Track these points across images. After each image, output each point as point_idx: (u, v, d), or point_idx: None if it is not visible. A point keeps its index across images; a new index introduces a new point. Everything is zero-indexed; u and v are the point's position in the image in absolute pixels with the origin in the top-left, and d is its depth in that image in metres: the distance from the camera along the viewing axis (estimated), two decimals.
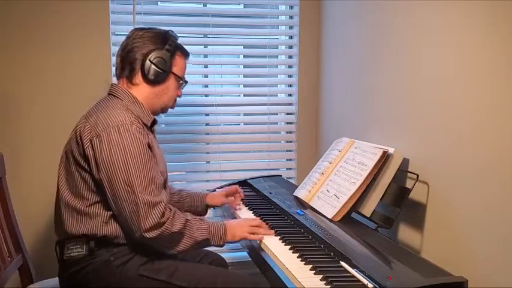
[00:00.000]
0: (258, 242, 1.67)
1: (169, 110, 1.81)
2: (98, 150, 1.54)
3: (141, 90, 1.71)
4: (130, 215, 1.52)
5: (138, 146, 1.55)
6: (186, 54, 1.81)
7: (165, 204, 1.58)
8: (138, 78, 1.70)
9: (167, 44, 1.71)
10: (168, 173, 1.99)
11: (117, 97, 1.68)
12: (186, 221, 1.60)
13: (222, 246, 1.68)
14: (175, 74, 1.75)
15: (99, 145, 1.54)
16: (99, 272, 1.57)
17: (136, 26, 1.90)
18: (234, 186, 2.09)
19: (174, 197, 1.99)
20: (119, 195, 1.53)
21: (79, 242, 1.59)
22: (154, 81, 1.70)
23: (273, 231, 1.71)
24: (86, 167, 1.57)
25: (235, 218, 1.95)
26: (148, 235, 1.52)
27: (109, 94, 1.71)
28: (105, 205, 1.58)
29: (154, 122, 1.77)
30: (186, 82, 1.83)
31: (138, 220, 1.51)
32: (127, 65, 1.70)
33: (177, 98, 1.82)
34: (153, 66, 1.68)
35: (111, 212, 1.58)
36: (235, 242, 1.71)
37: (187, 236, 1.59)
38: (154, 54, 1.68)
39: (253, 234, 1.68)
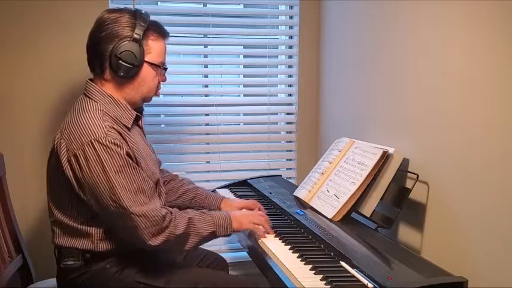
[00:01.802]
0: (258, 241, 1.66)
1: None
2: (77, 171, 1.46)
3: (115, 87, 1.58)
4: (127, 230, 1.48)
5: (117, 160, 1.45)
6: (162, 35, 1.62)
7: (164, 208, 1.53)
8: (109, 74, 1.57)
9: (134, 31, 1.53)
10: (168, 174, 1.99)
11: (92, 99, 1.56)
12: (189, 219, 1.55)
13: (229, 235, 1.64)
14: (150, 63, 1.59)
15: (78, 166, 1.45)
16: (96, 278, 1.56)
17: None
18: (252, 200, 1.93)
19: (188, 194, 1.92)
20: (110, 213, 1.47)
21: (75, 252, 1.56)
22: (125, 77, 1.56)
23: (273, 231, 1.71)
24: (69, 187, 1.50)
25: None
26: (153, 243, 1.49)
27: (84, 95, 1.59)
28: (98, 221, 1.53)
29: (138, 117, 1.65)
30: (165, 69, 1.67)
31: (138, 233, 1.47)
32: (96, 60, 1.57)
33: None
34: (120, 61, 1.52)
35: (104, 228, 1.54)
36: (241, 231, 1.69)
37: (194, 234, 1.56)
38: (121, 48, 1.52)
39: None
